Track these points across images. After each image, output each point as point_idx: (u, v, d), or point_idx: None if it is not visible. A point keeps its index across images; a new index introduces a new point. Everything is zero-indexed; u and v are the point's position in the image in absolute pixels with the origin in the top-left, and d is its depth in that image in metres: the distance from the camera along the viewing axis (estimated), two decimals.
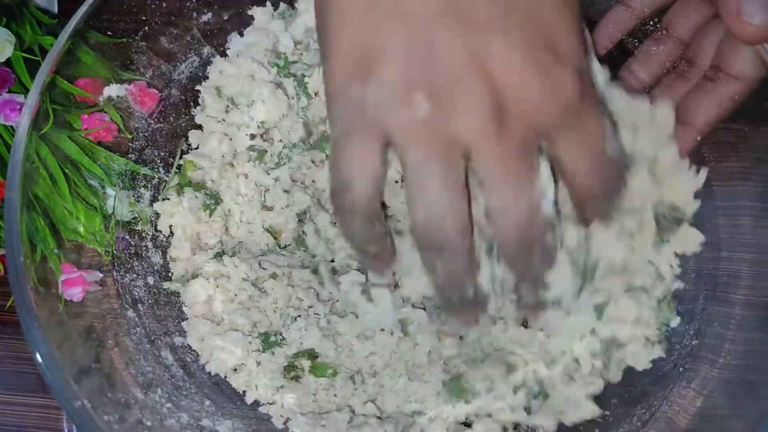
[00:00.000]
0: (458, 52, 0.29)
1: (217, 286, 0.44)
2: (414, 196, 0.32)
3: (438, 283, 0.35)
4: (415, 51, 0.29)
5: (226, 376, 0.44)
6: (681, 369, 0.43)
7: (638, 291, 0.42)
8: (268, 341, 0.43)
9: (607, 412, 0.43)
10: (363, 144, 0.32)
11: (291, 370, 0.43)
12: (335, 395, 0.43)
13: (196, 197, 0.45)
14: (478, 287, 0.35)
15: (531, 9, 0.30)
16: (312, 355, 0.43)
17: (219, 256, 0.45)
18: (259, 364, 0.43)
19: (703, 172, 0.42)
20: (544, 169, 0.33)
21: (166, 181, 0.46)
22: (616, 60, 0.46)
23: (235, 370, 0.44)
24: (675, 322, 0.44)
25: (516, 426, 0.44)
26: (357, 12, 0.30)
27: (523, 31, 0.30)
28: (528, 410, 0.43)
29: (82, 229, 0.42)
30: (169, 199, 0.46)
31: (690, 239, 0.43)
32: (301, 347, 0.43)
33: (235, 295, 0.44)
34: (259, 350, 0.43)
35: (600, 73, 0.38)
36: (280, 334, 0.44)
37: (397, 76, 0.30)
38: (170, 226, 0.46)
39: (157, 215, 0.46)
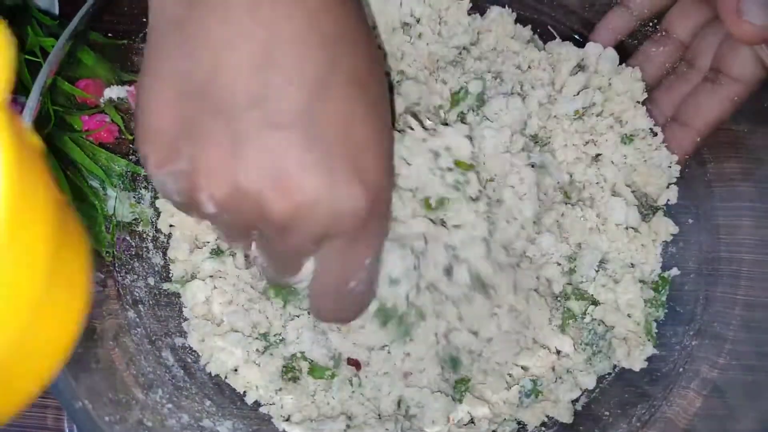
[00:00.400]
0: (258, 156, 0.29)
1: (215, 287, 0.44)
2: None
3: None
4: (217, 143, 0.29)
5: (226, 377, 0.44)
6: (681, 369, 0.44)
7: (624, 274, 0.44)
8: (268, 342, 0.43)
9: (607, 413, 0.43)
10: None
11: (289, 371, 0.43)
12: (333, 397, 0.43)
13: None
14: None
15: (339, 116, 0.30)
16: (308, 357, 0.43)
17: (217, 253, 0.45)
18: (258, 365, 0.43)
19: (676, 168, 0.43)
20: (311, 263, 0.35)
21: None
22: None
23: (236, 370, 0.44)
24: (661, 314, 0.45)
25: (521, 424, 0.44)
26: (168, 93, 0.30)
27: (325, 138, 0.30)
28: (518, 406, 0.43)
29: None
30: None
31: (663, 228, 0.44)
32: (298, 348, 0.43)
33: (232, 296, 0.44)
34: (258, 351, 0.43)
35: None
36: (279, 334, 0.44)
37: (198, 169, 0.30)
38: (170, 226, 0.46)
39: (158, 214, 0.46)
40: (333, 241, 0.32)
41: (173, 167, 0.31)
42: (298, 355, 0.43)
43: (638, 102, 0.45)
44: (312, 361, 0.43)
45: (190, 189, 0.31)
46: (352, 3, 0.31)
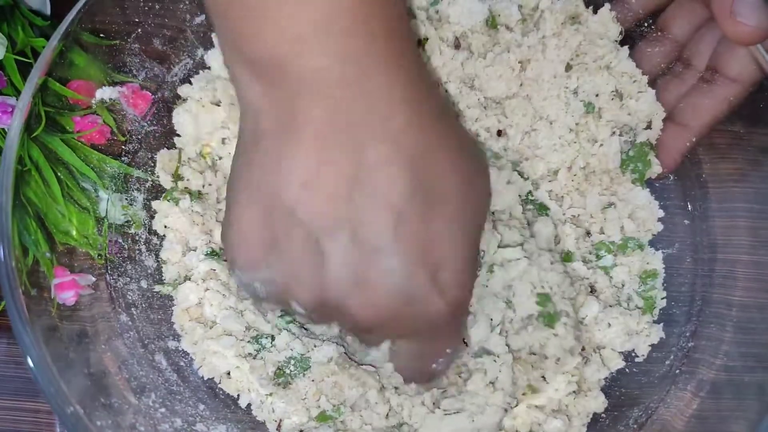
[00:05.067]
0: (345, 269, 0.32)
1: (207, 289, 0.44)
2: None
3: None
4: (306, 260, 0.32)
5: (219, 381, 0.44)
6: (677, 371, 0.44)
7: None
8: (260, 345, 0.43)
9: (603, 415, 0.43)
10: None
11: (280, 376, 0.43)
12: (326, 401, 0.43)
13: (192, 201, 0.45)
14: None
15: (423, 235, 0.32)
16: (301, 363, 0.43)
17: (212, 255, 0.45)
18: (250, 368, 0.43)
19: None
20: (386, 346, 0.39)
21: (159, 184, 0.46)
22: None
23: (228, 374, 0.44)
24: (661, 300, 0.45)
25: None
26: (256, 209, 0.33)
27: (409, 256, 0.32)
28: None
29: (74, 233, 0.42)
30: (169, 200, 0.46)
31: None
32: (290, 354, 0.43)
33: (224, 295, 0.44)
34: (250, 354, 0.43)
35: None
36: (272, 337, 0.43)
37: (284, 277, 0.33)
38: (165, 227, 0.46)
39: (151, 217, 0.46)
40: (414, 338, 0.37)
41: (263, 276, 0.34)
42: (291, 360, 0.43)
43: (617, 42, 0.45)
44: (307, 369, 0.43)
45: (279, 293, 0.34)
46: (441, 118, 0.33)
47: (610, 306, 0.44)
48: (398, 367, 0.40)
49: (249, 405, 0.44)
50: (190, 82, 0.47)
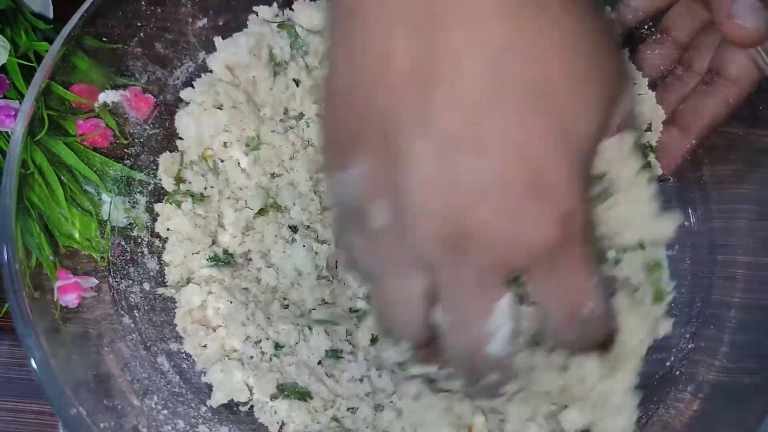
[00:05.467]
0: (424, 168, 0.27)
1: (210, 292, 0.44)
2: (375, 303, 0.34)
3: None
4: (383, 157, 0.28)
5: (221, 383, 0.44)
6: (677, 372, 0.44)
7: None
8: (262, 348, 0.43)
9: None
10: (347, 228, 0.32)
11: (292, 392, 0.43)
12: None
13: (194, 204, 0.46)
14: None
15: (516, 127, 0.27)
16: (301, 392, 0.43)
17: (215, 260, 0.45)
18: (253, 370, 0.43)
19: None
20: (507, 302, 0.30)
21: (162, 186, 0.46)
22: None
23: (231, 376, 0.44)
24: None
25: None
26: (340, 110, 0.30)
27: (500, 152, 0.27)
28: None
29: (77, 235, 0.42)
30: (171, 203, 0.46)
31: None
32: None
33: (230, 302, 0.44)
34: (252, 356, 0.43)
35: None
36: (272, 340, 0.44)
37: (365, 178, 0.29)
38: (167, 230, 0.46)
39: (154, 219, 0.46)
40: (536, 273, 0.30)
41: (342, 174, 0.30)
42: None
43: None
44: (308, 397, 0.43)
45: (360, 198, 0.29)
46: (550, 5, 0.27)
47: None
48: (554, 326, 0.33)
49: (251, 407, 0.44)
50: (192, 86, 0.47)
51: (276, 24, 0.47)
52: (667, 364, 0.44)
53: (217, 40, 0.47)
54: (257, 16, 0.48)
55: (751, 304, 0.43)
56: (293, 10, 0.48)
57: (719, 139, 0.44)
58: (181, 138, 0.47)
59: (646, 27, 0.45)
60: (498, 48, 0.26)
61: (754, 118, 0.42)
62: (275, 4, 0.48)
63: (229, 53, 0.46)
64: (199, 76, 0.47)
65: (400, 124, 0.27)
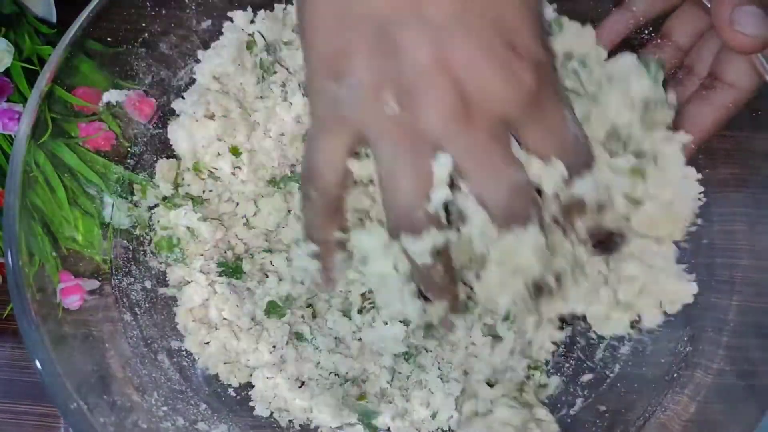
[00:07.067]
0: (421, 52, 0.32)
1: (214, 291, 0.44)
2: (385, 188, 0.35)
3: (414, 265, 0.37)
4: (381, 52, 0.32)
5: (220, 379, 0.45)
6: (675, 375, 0.44)
7: None
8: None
9: (598, 420, 0.43)
10: (333, 139, 0.35)
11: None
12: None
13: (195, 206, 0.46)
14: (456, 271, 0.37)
15: (489, 8, 0.32)
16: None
17: (223, 266, 0.45)
18: (255, 367, 0.44)
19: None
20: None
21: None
22: None
23: (232, 373, 0.44)
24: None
25: None
26: (328, 19, 0.33)
27: (481, 29, 0.32)
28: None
29: (79, 238, 0.42)
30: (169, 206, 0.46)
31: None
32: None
33: (228, 299, 0.44)
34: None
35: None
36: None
37: (365, 77, 0.32)
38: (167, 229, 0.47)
39: (153, 222, 0.46)
40: (526, 123, 0.34)
41: (339, 83, 0.33)
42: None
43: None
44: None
45: (365, 99, 0.33)
46: None
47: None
48: (559, 147, 0.36)
49: (251, 405, 0.44)
50: (183, 97, 0.47)
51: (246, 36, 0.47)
52: (665, 366, 0.44)
53: (200, 52, 0.46)
54: (232, 22, 0.47)
55: (749, 307, 0.43)
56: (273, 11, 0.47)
57: (720, 143, 0.44)
58: None
59: (647, 31, 0.45)
60: None
61: (755, 122, 0.42)
62: (250, 9, 0.47)
63: (213, 64, 0.45)
64: None
65: (394, 19, 0.31)
